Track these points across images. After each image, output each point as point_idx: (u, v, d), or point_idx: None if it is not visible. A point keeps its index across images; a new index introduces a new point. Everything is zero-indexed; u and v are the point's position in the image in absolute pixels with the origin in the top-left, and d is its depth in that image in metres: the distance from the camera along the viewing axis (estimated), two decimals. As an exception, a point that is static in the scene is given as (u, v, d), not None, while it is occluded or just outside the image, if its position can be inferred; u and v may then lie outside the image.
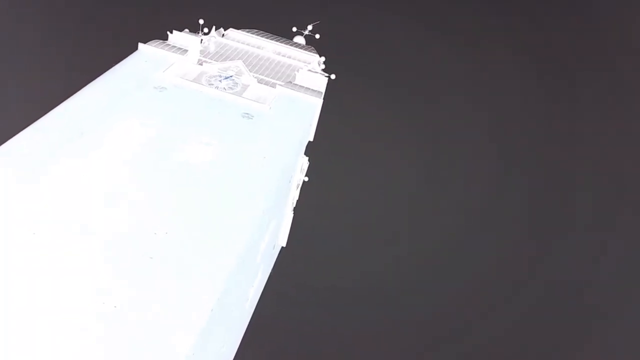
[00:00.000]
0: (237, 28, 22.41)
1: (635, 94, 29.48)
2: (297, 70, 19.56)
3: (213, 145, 13.91)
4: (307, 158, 18.97)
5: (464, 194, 30.17)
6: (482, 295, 27.73)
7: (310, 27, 24.47)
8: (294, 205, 20.29)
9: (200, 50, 19.24)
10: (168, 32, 19.10)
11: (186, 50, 18.12)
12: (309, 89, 18.20)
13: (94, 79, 15.47)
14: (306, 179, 19.82)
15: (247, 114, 15.79)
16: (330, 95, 20.69)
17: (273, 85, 18.08)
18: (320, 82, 19.22)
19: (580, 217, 28.69)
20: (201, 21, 19.55)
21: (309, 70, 19.41)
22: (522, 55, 32.31)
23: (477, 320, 27.05)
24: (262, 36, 22.31)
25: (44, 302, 8.77)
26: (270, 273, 18.71)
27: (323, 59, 22.09)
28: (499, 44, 32.23)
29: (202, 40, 19.54)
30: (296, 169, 17.58)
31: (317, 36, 24.25)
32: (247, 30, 22.56)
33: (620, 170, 28.74)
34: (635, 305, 26.21)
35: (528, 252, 28.66)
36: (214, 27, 20.99)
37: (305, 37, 24.65)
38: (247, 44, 21.40)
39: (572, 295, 27.06)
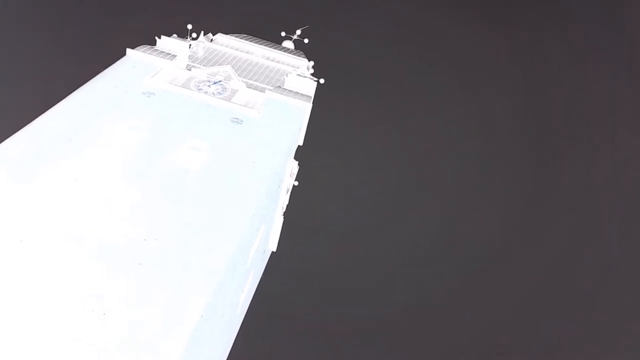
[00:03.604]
0: (226, 33, 22.43)
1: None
2: (286, 75, 19.60)
3: (202, 150, 13.89)
4: (296, 162, 18.99)
5: (451, 196, 30.44)
6: (470, 291, 28.02)
7: (298, 32, 24.57)
8: (284, 210, 20.28)
9: (189, 56, 19.24)
10: (156, 38, 19.08)
11: (175, 56, 18.10)
12: (298, 93, 18.24)
13: (81, 84, 15.41)
14: (296, 183, 19.84)
15: (237, 118, 15.80)
16: (320, 99, 20.78)
17: (262, 90, 18.09)
18: (310, 86, 19.26)
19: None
20: (189, 26, 19.59)
21: (298, 74, 19.46)
22: (510, 56, 32.69)
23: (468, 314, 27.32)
24: (250, 41, 22.33)
25: (31, 309, 8.70)
26: (261, 277, 18.68)
27: (312, 63, 22.16)
28: (484, 50, 32.62)
29: (190, 45, 19.54)
30: (286, 174, 17.58)
31: (306, 41, 24.35)
32: (236, 35, 22.58)
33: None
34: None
35: (517, 248, 29.02)
36: (202, 32, 21.01)
37: (294, 41, 24.73)
38: (236, 49, 21.41)
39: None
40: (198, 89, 16.72)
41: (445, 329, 26.97)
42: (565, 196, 29.56)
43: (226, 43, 21.80)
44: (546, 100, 31.72)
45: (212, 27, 22.23)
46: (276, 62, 21.52)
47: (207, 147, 14.09)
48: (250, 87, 18.07)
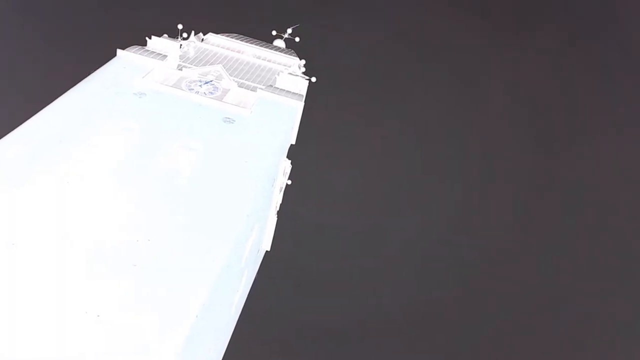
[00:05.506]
0: (217, 32, 22.36)
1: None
2: (278, 74, 19.57)
3: (194, 151, 13.84)
4: (289, 161, 18.98)
5: (447, 195, 30.51)
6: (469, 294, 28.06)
7: (289, 31, 24.55)
8: (278, 209, 20.28)
9: (180, 56, 19.16)
10: (147, 38, 18.99)
11: (165, 56, 18.01)
12: (290, 92, 18.22)
13: (71, 86, 15.30)
14: (289, 182, 19.83)
15: (228, 118, 15.76)
16: (312, 98, 20.77)
17: (254, 89, 18.05)
18: (301, 85, 19.25)
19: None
20: (180, 26, 19.51)
21: (290, 73, 19.43)
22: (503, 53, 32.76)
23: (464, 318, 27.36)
24: (241, 40, 22.28)
25: (24, 312, 8.65)
26: (255, 277, 18.68)
27: (303, 62, 22.14)
28: (482, 47, 32.67)
29: (181, 45, 19.46)
30: (279, 173, 17.57)
31: (297, 39, 24.33)
32: (227, 34, 22.51)
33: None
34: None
35: (516, 251, 29.03)
36: (193, 32, 20.93)
37: (285, 40, 24.71)
38: (227, 49, 21.35)
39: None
40: (189, 89, 16.66)
41: (444, 330, 27.06)
42: (566, 194, 29.62)
43: (217, 42, 21.74)
44: (547, 98, 31.84)
45: (203, 26, 22.19)
46: (267, 61, 21.49)
47: (200, 146, 14.05)
48: (242, 87, 18.03)
